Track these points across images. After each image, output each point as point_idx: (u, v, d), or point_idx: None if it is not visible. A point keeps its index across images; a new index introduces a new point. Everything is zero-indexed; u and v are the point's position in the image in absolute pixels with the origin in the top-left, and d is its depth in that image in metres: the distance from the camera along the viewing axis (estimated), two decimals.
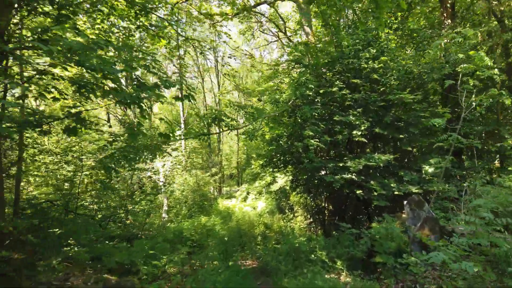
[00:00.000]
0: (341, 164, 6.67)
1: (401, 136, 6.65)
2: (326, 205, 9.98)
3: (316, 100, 7.39)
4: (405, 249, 5.53)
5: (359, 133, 6.64)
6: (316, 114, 6.91)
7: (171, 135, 4.27)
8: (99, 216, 9.23)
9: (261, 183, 10.35)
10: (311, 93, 7.22)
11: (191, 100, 4.51)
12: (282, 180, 10.47)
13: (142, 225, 9.93)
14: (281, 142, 7.93)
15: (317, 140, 6.63)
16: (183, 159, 16.70)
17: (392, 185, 6.59)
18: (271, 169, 8.88)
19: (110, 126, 18.44)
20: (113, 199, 10.24)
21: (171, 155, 13.74)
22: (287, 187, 10.00)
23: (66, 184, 8.99)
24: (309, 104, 7.15)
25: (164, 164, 15.20)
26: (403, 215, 6.47)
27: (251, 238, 9.15)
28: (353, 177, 6.60)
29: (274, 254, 6.74)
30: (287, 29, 16.91)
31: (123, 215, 10.03)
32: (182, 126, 17.41)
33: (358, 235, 6.21)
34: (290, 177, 9.34)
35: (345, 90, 6.86)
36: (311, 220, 10.98)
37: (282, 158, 8.31)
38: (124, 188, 11.22)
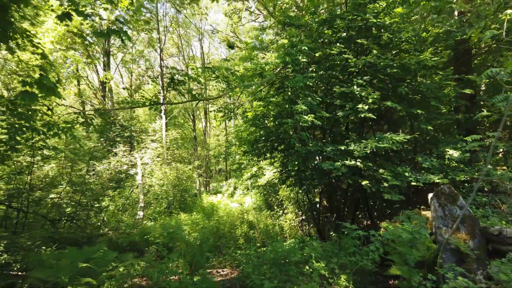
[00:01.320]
0: (342, 148, 5.17)
1: (418, 111, 5.16)
2: (320, 200, 8.58)
3: (311, 69, 5.88)
4: (432, 259, 4.13)
5: (366, 107, 5.14)
6: (311, 84, 5.37)
7: (55, 88, 2.71)
8: (54, 214, 7.65)
9: (247, 176, 8.88)
10: (304, 59, 5.69)
11: (123, 38, 2.93)
12: (270, 172, 9.02)
13: (101, 225, 8.29)
14: (266, 122, 6.38)
15: (312, 115, 5.10)
16: (163, 151, 15.19)
17: (406, 174, 5.12)
18: (255, 157, 7.33)
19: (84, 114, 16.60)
20: (72, 195, 8.61)
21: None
22: (276, 180, 8.49)
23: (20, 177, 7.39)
24: (301, 74, 5.63)
25: (142, 157, 13.73)
26: (423, 212, 5.04)
27: (230, 242, 7.63)
28: (358, 163, 5.11)
29: (257, 262, 5.24)
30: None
31: (81, 213, 8.43)
32: (163, 113, 15.89)
33: (366, 238, 4.75)
34: (279, 168, 7.83)
35: (348, 53, 5.34)
36: (303, 217, 9.57)
37: (268, 143, 6.77)
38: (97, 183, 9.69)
